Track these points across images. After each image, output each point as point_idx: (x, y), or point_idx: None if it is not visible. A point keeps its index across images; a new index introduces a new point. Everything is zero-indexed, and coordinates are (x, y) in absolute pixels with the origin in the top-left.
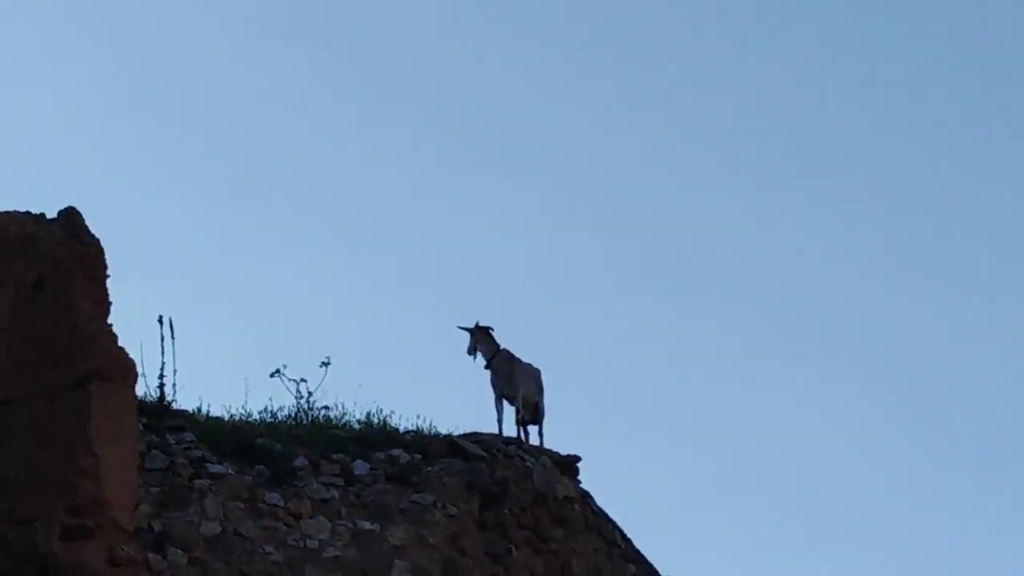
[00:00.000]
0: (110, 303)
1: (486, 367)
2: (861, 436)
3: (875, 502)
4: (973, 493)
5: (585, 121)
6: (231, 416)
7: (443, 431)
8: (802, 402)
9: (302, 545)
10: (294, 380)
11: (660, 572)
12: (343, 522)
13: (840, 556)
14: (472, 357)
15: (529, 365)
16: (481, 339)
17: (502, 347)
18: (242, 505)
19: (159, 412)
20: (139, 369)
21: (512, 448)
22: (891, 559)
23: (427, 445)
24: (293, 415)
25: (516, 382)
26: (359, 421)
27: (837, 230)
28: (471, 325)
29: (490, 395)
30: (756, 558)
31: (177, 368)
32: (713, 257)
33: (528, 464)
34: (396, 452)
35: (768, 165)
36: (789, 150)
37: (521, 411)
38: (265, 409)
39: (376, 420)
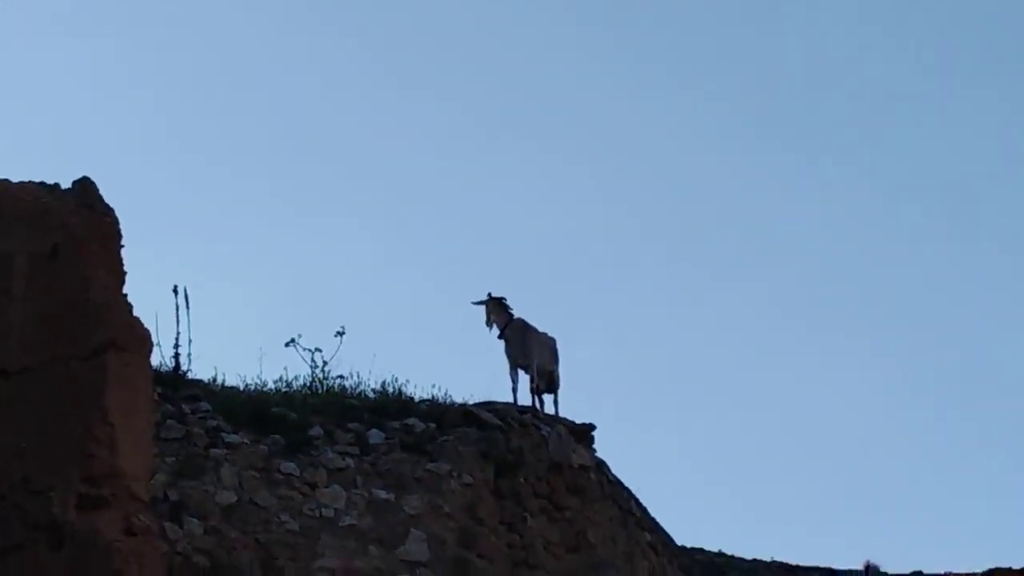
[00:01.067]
0: (125, 273)
1: (499, 337)
2: (868, 404)
3: (882, 470)
4: (986, 472)
5: (599, 94)
6: (246, 386)
7: (458, 400)
8: (813, 374)
9: (318, 514)
10: (309, 350)
11: (675, 540)
12: (359, 491)
13: (846, 524)
14: (490, 328)
15: (544, 334)
16: (494, 309)
17: (516, 316)
18: (257, 474)
19: (174, 382)
20: (154, 339)
21: (527, 417)
22: (892, 531)
23: (442, 414)
24: (308, 384)
25: (530, 351)
26: (374, 390)
27: (849, 210)
28: (484, 298)
29: (505, 364)
30: (768, 526)
31: (192, 338)
32: (726, 230)
33: (543, 433)
34: (411, 421)
35: (786, 146)
36: (809, 132)
37: (536, 380)
38: (280, 378)
39: (391, 389)
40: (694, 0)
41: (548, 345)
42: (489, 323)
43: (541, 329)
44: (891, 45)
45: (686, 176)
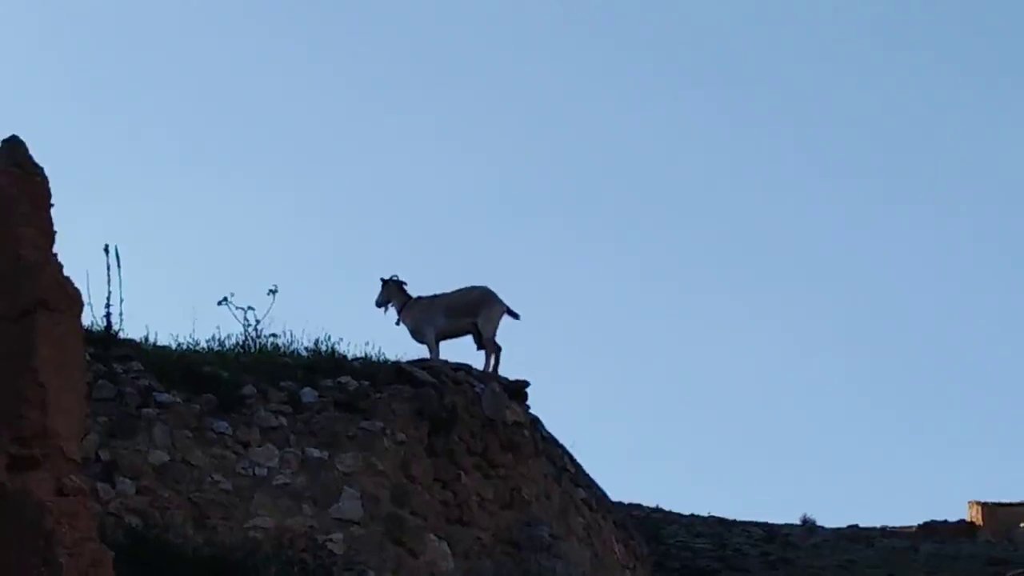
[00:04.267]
0: (55, 232)
1: (396, 323)
2: (801, 361)
3: (817, 426)
4: (920, 429)
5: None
6: (178, 345)
7: (392, 358)
8: (743, 330)
9: (251, 473)
10: (241, 308)
11: (610, 497)
12: (292, 450)
13: (783, 480)
14: (383, 310)
15: (453, 293)
16: (394, 293)
17: (414, 296)
18: (190, 434)
19: (106, 341)
20: (86, 299)
21: (461, 374)
22: (828, 486)
23: (376, 372)
24: (241, 343)
25: (423, 327)
26: (307, 348)
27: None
28: (388, 277)
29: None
30: (705, 482)
31: (124, 297)
32: (646, 187)
33: (477, 390)
34: (344, 379)
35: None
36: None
37: (434, 352)
38: (213, 337)
39: (324, 347)
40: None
41: (453, 304)
42: (382, 303)
43: (460, 287)
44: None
45: (593, 134)
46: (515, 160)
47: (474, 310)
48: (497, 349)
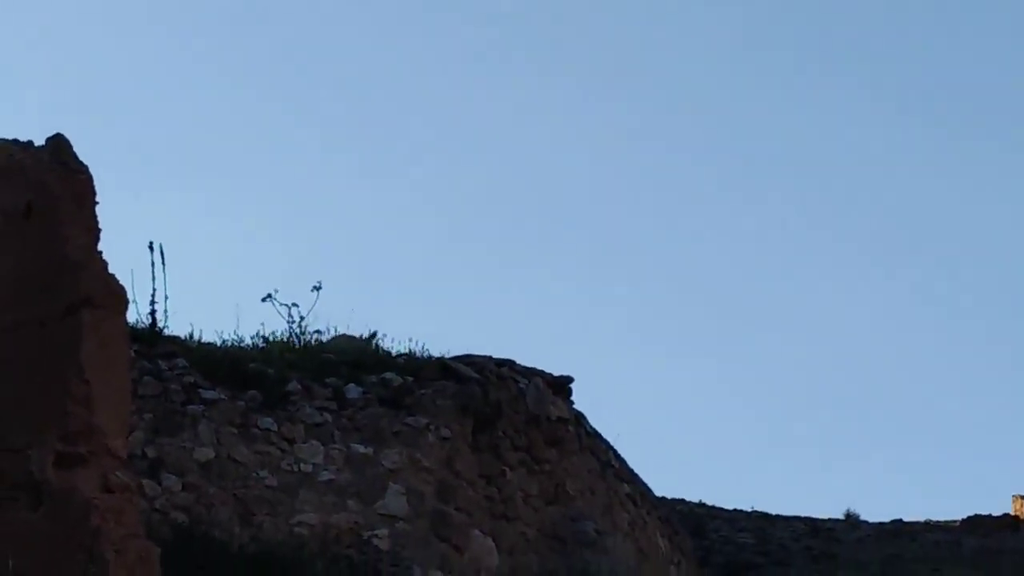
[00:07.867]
0: (100, 230)
1: None
2: (846, 352)
3: (861, 418)
4: (964, 421)
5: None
6: (223, 342)
7: (436, 353)
8: (790, 320)
9: (296, 469)
10: (286, 304)
11: (654, 492)
12: (336, 446)
13: (826, 473)
14: None
15: None
16: None
17: None
18: (235, 430)
19: (151, 338)
20: (130, 296)
21: (505, 370)
22: (872, 480)
23: (420, 368)
24: (285, 340)
25: None
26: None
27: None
28: None
29: None
30: (748, 476)
31: (168, 294)
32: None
33: (521, 386)
34: (389, 375)
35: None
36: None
37: None
38: (257, 334)
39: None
40: None
41: None
42: None
43: None
44: None
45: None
46: (558, 159)
47: None
48: None
